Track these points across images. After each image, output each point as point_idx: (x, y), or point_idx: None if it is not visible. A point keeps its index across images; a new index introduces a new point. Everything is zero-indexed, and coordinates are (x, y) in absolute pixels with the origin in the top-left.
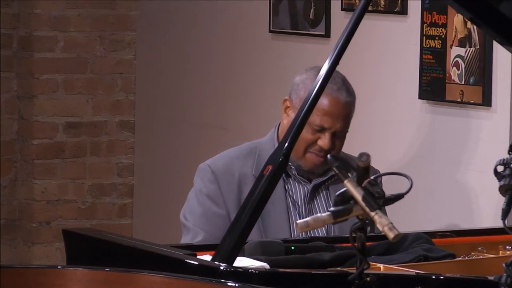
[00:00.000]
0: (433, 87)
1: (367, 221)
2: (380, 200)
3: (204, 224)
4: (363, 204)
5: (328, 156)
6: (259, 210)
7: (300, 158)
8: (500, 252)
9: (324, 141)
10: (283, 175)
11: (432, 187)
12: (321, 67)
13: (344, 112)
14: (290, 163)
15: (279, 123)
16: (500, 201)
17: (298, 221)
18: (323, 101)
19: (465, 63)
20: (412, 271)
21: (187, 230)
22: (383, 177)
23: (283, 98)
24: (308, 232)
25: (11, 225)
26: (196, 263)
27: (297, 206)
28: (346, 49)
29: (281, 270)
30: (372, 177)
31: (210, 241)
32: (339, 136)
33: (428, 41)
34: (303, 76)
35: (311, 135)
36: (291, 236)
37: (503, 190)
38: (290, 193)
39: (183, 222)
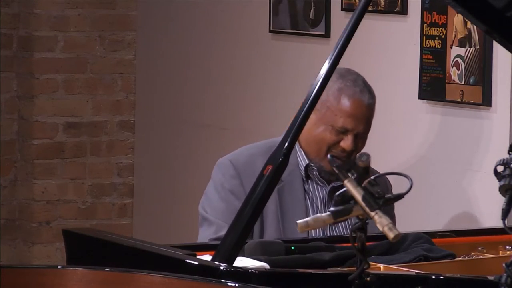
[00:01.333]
0: (433, 87)
1: (367, 221)
2: (380, 200)
3: (228, 219)
4: (363, 204)
5: (328, 156)
6: (259, 210)
7: (322, 159)
8: (500, 252)
9: (346, 142)
10: (303, 176)
11: (432, 187)
12: (340, 69)
13: (367, 114)
14: (312, 164)
15: None
16: (500, 201)
17: (298, 221)
18: (346, 103)
19: (465, 63)
20: (412, 271)
21: (209, 223)
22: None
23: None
24: (324, 230)
25: (11, 225)
26: (196, 263)
27: (315, 207)
28: (346, 49)
29: (281, 270)
30: (372, 177)
31: None
32: (361, 138)
33: (428, 41)
34: None
35: (334, 136)
36: (309, 236)
37: (503, 190)
38: (310, 194)
39: (204, 215)
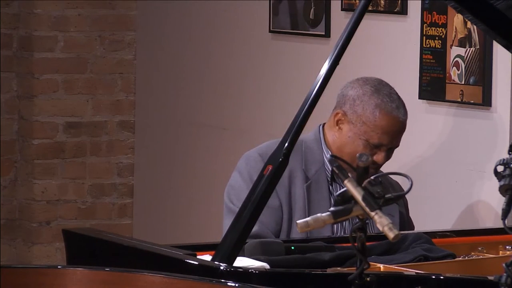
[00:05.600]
0: (433, 87)
1: (367, 221)
2: (380, 200)
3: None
4: (363, 204)
5: (328, 156)
6: (259, 210)
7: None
8: (500, 252)
9: (379, 156)
10: (328, 176)
11: (432, 187)
12: (371, 81)
13: (402, 129)
14: None
15: (323, 124)
16: (500, 201)
17: (298, 221)
18: (383, 120)
19: (465, 63)
20: (412, 271)
21: None
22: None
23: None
24: (335, 230)
25: (11, 225)
26: (196, 263)
27: None
28: (346, 49)
29: (281, 270)
30: (372, 177)
31: (264, 232)
32: (392, 151)
33: (428, 41)
34: (358, 91)
35: (369, 151)
36: (333, 234)
37: (503, 190)
38: (333, 195)
39: (232, 207)
